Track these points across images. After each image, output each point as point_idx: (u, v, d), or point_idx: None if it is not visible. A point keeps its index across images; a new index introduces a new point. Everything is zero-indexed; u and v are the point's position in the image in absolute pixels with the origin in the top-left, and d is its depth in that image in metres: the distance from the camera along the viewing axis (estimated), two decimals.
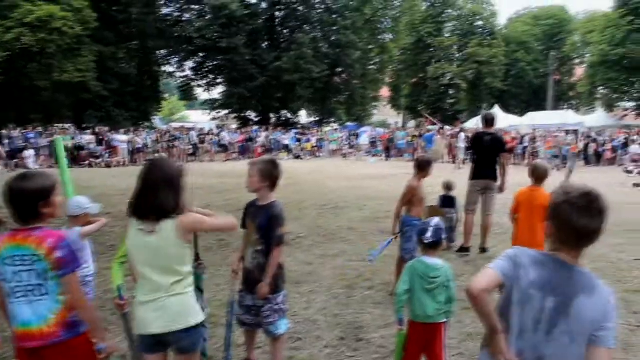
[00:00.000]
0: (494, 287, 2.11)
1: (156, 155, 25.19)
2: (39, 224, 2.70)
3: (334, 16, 41.91)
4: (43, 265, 2.63)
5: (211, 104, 43.38)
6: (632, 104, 41.57)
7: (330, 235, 9.29)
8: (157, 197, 2.86)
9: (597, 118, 36.35)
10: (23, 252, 2.64)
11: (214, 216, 3.20)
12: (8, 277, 2.69)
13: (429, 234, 3.69)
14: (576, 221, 2.02)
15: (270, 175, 3.90)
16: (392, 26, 48.91)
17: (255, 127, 33.58)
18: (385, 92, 54.27)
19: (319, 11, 42.23)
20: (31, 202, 2.67)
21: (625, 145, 26.51)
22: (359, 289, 6.31)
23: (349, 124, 42.75)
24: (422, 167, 6.15)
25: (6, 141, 22.83)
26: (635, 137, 26.92)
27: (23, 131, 24.33)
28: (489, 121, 8.41)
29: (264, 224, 3.89)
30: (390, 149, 30.15)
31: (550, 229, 2.11)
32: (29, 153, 22.45)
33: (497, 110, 36.92)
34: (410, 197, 6.00)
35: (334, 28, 42.18)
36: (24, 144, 22.98)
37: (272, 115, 42.44)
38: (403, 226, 5.99)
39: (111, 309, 5.40)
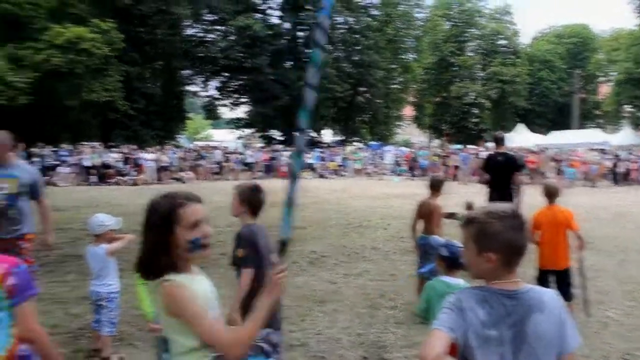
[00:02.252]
0: (447, 346, 1.91)
1: (181, 174, 25.52)
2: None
3: (356, 36, 42.21)
4: None
5: (236, 123, 43.82)
6: None
7: (354, 254, 9.34)
8: None
9: (623, 136, 35.94)
10: None
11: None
12: None
13: (444, 251, 3.73)
14: (519, 242, 1.99)
15: (248, 200, 3.85)
16: (414, 45, 49.10)
17: (279, 146, 33.81)
18: (408, 111, 54.35)
19: (341, 31, 42.57)
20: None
21: None
22: (382, 309, 6.35)
23: (372, 143, 42.83)
24: (435, 187, 6.23)
25: (37, 159, 23.30)
26: None
27: (53, 149, 24.84)
28: (499, 141, 8.44)
29: (234, 248, 3.87)
30: (414, 168, 30.13)
31: (492, 257, 1.97)
32: (62, 170, 22.97)
33: (521, 129, 36.76)
34: (430, 216, 6.07)
35: (357, 47, 42.46)
36: (54, 162, 23.46)
37: (295, 134, 42.67)
38: (423, 246, 6.05)
39: (137, 324, 5.52)
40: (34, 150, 24.02)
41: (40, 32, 27.36)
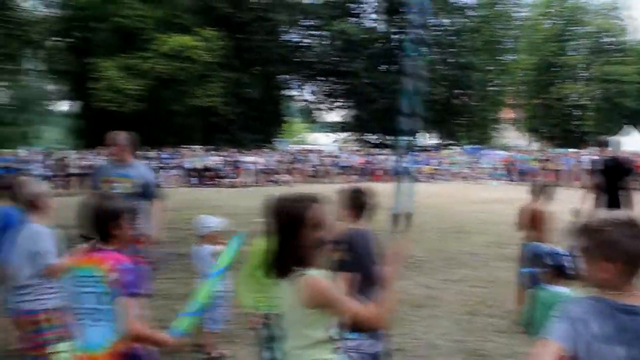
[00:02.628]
0: (556, 358, 1.82)
1: (278, 176, 26.03)
2: (106, 246, 2.67)
3: (452, 37, 41.50)
4: (103, 288, 2.57)
5: (332, 127, 44.15)
6: None
7: (452, 259, 9.24)
8: None
9: None
10: (88, 273, 2.61)
11: None
12: (75, 297, 2.67)
13: (549, 259, 3.63)
14: (638, 251, 1.84)
15: (352, 203, 3.77)
16: (513, 46, 47.61)
17: (374, 150, 33.79)
18: (507, 113, 52.79)
19: (437, 33, 41.99)
20: (101, 223, 2.68)
21: None
22: (481, 316, 6.25)
23: (469, 146, 41.93)
24: (539, 191, 6.06)
25: (144, 161, 24.51)
26: None
27: (158, 152, 26.06)
28: (603, 144, 8.09)
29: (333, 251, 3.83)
30: (512, 172, 29.29)
31: (609, 267, 1.85)
32: (169, 173, 24.14)
33: (630, 131, 34.79)
34: (534, 223, 5.91)
35: (453, 49, 41.74)
36: (159, 165, 24.63)
37: (391, 137, 42.53)
38: (527, 253, 5.89)
39: (237, 322, 5.70)
40: (141, 153, 25.28)
41: (148, 42, 28.81)
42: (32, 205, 3.74)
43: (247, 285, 3.91)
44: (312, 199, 2.32)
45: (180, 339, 2.78)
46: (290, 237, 2.25)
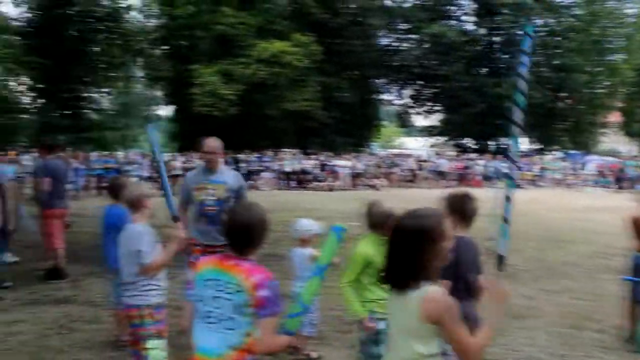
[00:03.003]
0: None
1: (374, 181, 25.95)
2: (251, 255, 2.62)
3: (557, 38, 39.91)
4: (243, 299, 2.50)
5: (428, 131, 43.65)
6: None
7: (553, 269, 8.88)
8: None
9: None
10: (228, 279, 2.54)
11: None
12: (205, 299, 2.61)
13: None
14: None
15: (459, 209, 3.56)
16: (624, 45, 45.08)
17: (473, 155, 33.07)
18: (615, 117, 50.08)
19: (540, 34, 40.50)
20: (250, 233, 2.61)
21: None
22: (586, 330, 5.94)
23: (572, 152, 40.16)
24: None
25: (243, 164, 25.18)
26: None
27: (257, 155, 26.71)
28: None
29: None
30: (621, 179, 27.76)
31: None
32: (264, 175, 24.73)
33: None
34: None
35: (558, 51, 40.13)
36: (258, 168, 25.24)
37: (490, 142, 41.49)
38: (633, 264, 5.55)
39: (333, 325, 5.74)
40: (240, 156, 25.99)
41: (248, 48, 29.65)
42: (134, 205, 3.89)
43: (353, 290, 3.90)
44: (439, 214, 2.35)
45: (290, 340, 2.78)
46: (416, 251, 2.25)
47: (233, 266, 2.55)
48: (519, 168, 28.42)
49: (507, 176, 2.44)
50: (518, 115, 2.29)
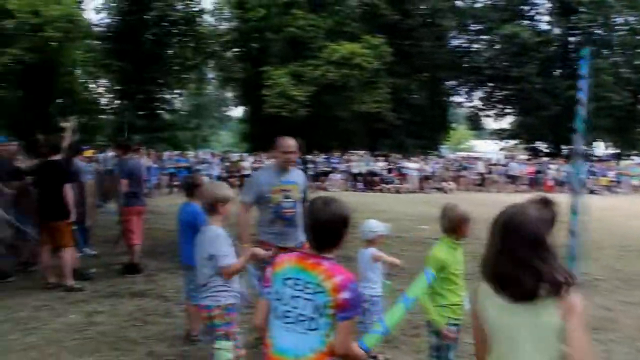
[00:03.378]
0: None
1: (443, 184, 25.62)
2: (331, 254, 2.54)
3: (637, 37, 38.25)
4: (324, 300, 2.42)
5: (499, 134, 42.77)
6: None
7: (632, 280, 8.52)
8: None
9: None
10: (308, 278, 2.47)
11: None
12: (284, 298, 2.54)
13: None
14: None
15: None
16: None
17: (545, 159, 32.15)
18: None
19: (620, 33, 38.94)
20: (332, 230, 2.52)
21: None
22: None
23: None
24: None
25: (312, 165, 25.37)
26: None
27: (325, 157, 26.84)
28: None
29: None
30: None
31: None
32: (333, 177, 24.83)
33: None
34: None
35: (638, 50, 38.47)
36: (326, 169, 25.38)
37: (564, 146, 40.21)
38: None
39: (402, 328, 5.69)
40: (309, 157, 26.17)
41: (318, 50, 29.87)
42: (211, 207, 3.90)
43: (432, 296, 3.85)
44: (551, 216, 2.28)
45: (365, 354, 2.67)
46: (542, 256, 2.12)
47: (313, 265, 2.48)
48: (590, 173, 27.49)
49: (575, 184, 2.32)
50: (580, 141, 2.18)
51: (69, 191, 7.03)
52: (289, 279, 2.52)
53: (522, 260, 2.12)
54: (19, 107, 26.16)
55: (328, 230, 2.51)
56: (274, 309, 2.59)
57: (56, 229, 7.05)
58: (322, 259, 2.49)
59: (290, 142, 5.24)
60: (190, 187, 5.24)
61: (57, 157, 7.35)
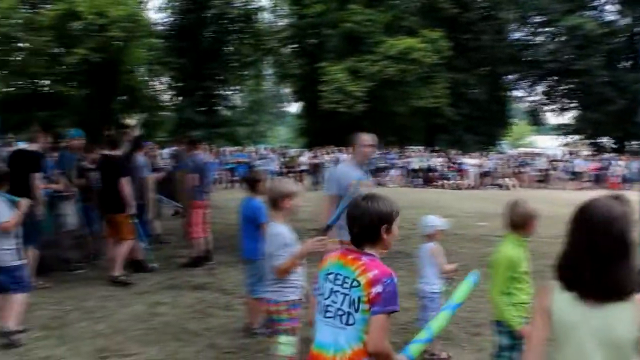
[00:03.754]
0: None
1: (503, 180, 25.14)
2: (371, 250, 2.52)
3: None
4: (358, 294, 2.42)
5: (562, 129, 41.64)
6: None
7: None
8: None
9: None
10: (346, 273, 2.49)
11: None
12: (325, 293, 2.56)
13: None
14: None
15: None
16: None
17: (610, 155, 31.09)
18: None
19: None
20: (367, 226, 2.50)
21: None
22: None
23: None
24: None
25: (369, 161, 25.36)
26: None
27: (384, 152, 26.71)
28: None
29: None
30: None
31: None
32: (391, 172, 24.71)
33: None
34: None
35: None
36: (385, 164, 25.28)
37: (630, 142, 38.79)
38: None
39: (464, 326, 5.63)
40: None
41: (375, 45, 29.75)
42: (274, 203, 3.88)
43: (504, 296, 3.74)
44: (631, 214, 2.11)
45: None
46: (627, 256, 2.01)
47: (353, 260, 2.49)
48: None
49: None
50: None
51: (126, 185, 7.21)
52: (331, 273, 2.55)
53: (606, 259, 2.00)
54: (84, 105, 27.04)
55: (363, 226, 2.50)
56: (317, 304, 2.63)
57: (116, 222, 7.26)
58: (362, 255, 2.50)
59: (369, 137, 5.35)
60: (252, 183, 5.31)
61: (117, 152, 7.55)
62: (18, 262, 5.08)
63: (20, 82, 28.78)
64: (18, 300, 5.03)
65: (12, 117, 27.05)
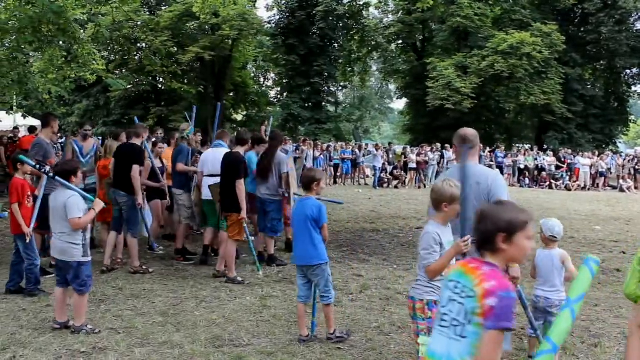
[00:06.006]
0: None
1: (620, 182, 23.85)
2: (493, 260, 2.38)
3: None
4: (472, 305, 2.29)
5: None
6: None
7: None
8: None
9: None
10: (465, 282, 2.37)
11: None
12: (443, 301, 2.48)
13: None
14: None
15: None
16: None
17: None
18: None
19: None
20: (491, 231, 2.36)
21: None
22: None
23: None
24: None
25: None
26: None
27: (490, 150, 25.95)
28: None
29: None
30: None
31: None
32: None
33: None
34: None
35: None
36: (491, 163, 24.56)
37: None
38: None
39: (578, 336, 5.40)
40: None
41: (485, 40, 29.03)
42: (438, 205, 3.75)
43: None
44: None
45: None
46: None
47: (473, 269, 2.36)
48: None
49: None
50: None
51: (241, 186, 7.04)
52: (452, 281, 2.45)
53: None
54: (198, 101, 28.24)
55: (479, 233, 2.40)
56: (437, 311, 2.54)
57: (230, 220, 7.24)
58: (483, 264, 2.37)
59: (472, 132, 5.23)
60: (309, 182, 5.23)
61: (241, 149, 7.45)
62: (84, 259, 5.16)
63: (139, 80, 30.53)
64: (77, 300, 5.14)
65: (132, 112, 28.85)
